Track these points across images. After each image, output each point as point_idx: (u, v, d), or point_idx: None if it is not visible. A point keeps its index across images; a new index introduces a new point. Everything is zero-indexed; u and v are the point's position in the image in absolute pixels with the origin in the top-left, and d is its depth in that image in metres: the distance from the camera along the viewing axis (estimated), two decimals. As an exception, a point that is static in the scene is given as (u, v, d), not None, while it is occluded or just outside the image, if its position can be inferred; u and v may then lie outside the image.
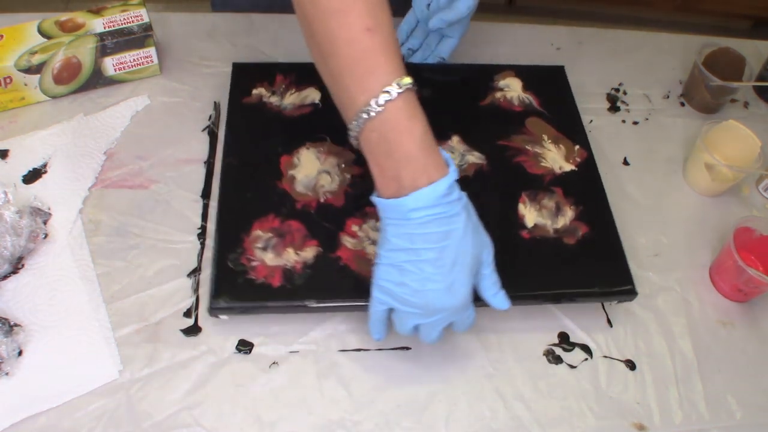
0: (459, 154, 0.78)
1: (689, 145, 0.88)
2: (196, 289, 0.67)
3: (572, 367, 0.68)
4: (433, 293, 0.55)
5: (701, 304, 0.75)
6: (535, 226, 0.72)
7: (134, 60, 0.81)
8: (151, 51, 0.81)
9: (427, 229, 0.54)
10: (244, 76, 0.80)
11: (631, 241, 0.78)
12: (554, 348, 0.69)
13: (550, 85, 0.87)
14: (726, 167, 0.80)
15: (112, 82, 0.82)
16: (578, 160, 0.79)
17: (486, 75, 0.87)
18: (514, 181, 0.76)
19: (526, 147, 0.79)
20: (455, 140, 0.79)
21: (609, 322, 0.72)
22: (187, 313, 0.66)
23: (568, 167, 0.78)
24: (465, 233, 0.56)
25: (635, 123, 0.90)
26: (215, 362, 0.63)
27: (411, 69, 0.85)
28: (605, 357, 0.69)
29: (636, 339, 0.71)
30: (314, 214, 0.69)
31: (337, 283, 0.66)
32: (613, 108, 0.91)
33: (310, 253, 0.67)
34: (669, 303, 0.74)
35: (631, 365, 0.69)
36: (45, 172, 0.73)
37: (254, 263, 0.65)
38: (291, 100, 0.79)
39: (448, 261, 0.55)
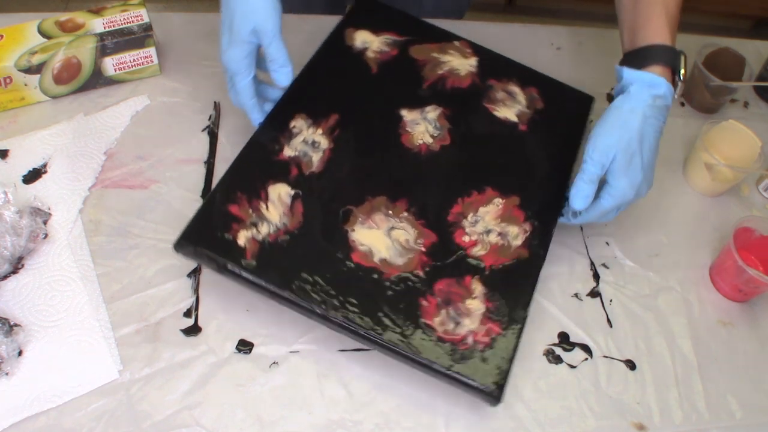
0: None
1: (689, 145, 0.88)
2: (196, 289, 0.67)
3: (572, 367, 0.68)
4: None
5: (701, 304, 0.75)
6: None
7: (134, 60, 0.81)
8: (151, 51, 0.81)
9: None
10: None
11: (631, 241, 0.78)
12: (554, 348, 0.69)
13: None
14: (726, 167, 0.80)
15: (112, 82, 0.82)
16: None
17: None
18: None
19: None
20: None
21: (609, 322, 0.72)
22: (187, 313, 0.66)
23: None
24: (234, 2, 0.66)
25: (635, 123, 0.90)
26: (215, 362, 0.63)
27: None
28: (605, 357, 0.69)
29: (636, 339, 0.71)
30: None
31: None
32: (613, 108, 0.91)
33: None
34: (669, 303, 0.74)
35: (631, 365, 0.69)
36: (45, 172, 0.73)
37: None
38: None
39: (222, 23, 0.68)
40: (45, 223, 0.69)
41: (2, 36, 0.76)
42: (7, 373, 0.60)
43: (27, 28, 0.77)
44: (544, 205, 0.73)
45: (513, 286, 0.67)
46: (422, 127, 0.76)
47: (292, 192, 0.67)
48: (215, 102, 0.82)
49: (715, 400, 0.68)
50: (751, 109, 0.95)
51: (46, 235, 0.68)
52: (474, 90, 0.81)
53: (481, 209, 0.71)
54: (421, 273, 0.65)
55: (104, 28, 0.79)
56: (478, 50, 0.85)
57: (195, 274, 0.68)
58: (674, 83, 0.69)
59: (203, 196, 0.74)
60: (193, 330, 0.65)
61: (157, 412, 0.60)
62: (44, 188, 0.72)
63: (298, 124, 0.72)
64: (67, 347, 0.62)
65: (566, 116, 0.83)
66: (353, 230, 0.66)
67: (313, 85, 0.75)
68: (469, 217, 0.71)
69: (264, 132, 0.71)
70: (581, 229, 0.78)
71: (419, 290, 0.64)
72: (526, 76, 0.85)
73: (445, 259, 0.67)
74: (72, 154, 0.75)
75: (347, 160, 0.71)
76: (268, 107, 0.72)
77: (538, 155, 0.78)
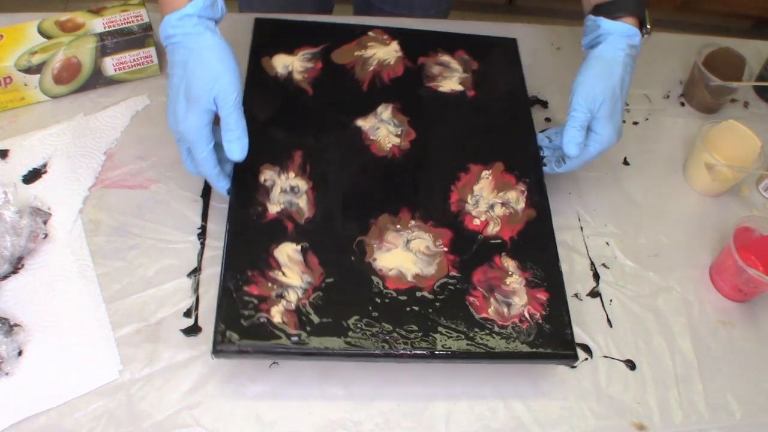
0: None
1: (689, 145, 0.88)
2: (196, 289, 0.67)
3: (572, 366, 0.68)
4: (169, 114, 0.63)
5: (701, 304, 0.75)
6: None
7: (134, 60, 0.81)
8: (151, 51, 0.81)
9: (171, 56, 0.62)
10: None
11: (631, 241, 0.78)
12: (554, 348, 0.69)
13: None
14: (726, 167, 0.80)
15: (112, 82, 0.82)
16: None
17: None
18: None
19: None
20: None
21: (609, 322, 0.72)
22: (187, 313, 0.66)
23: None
24: (193, 66, 0.61)
25: (635, 123, 0.90)
26: (215, 362, 0.63)
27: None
28: (605, 357, 0.69)
29: (636, 339, 0.71)
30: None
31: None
32: (613, 108, 0.91)
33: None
34: (669, 303, 0.74)
35: (631, 365, 0.69)
36: (45, 172, 0.73)
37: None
38: None
39: (175, 88, 0.62)
40: (45, 223, 0.69)
41: (2, 36, 0.76)
42: (7, 373, 0.60)
43: (27, 28, 0.77)
44: (525, 159, 0.75)
45: (537, 248, 0.69)
46: (383, 130, 0.75)
47: (299, 247, 0.65)
48: (215, 102, 0.82)
49: (715, 400, 0.68)
50: (751, 109, 0.95)
51: (46, 235, 0.68)
52: (410, 74, 0.81)
53: (476, 187, 0.72)
54: (455, 272, 0.66)
55: (104, 28, 0.79)
56: (393, 33, 0.84)
57: (195, 274, 0.68)
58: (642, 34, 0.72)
59: (203, 195, 0.74)
60: (193, 330, 0.65)
61: (157, 412, 0.60)
62: (44, 188, 0.72)
63: (268, 175, 0.69)
64: (67, 347, 0.62)
65: (502, 66, 0.84)
66: (375, 259, 0.65)
67: (259, 130, 0.69)
68: (469, 199, 0.71)
69: (239, 198, 0.67)
70: (581, 229, 0.78)
71: (462, 289, 0.65)
72: (449, 42, 0.85)
73: (470, 250, 0.68)
74: (72, 154, 0.75)
75: (333, 193, 0.69)
76: (228, 168, 0.67)
77: (496, 114, 0.79)
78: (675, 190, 0.85)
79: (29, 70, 0.75)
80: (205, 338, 0.65)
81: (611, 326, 0.71)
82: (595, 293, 0.73)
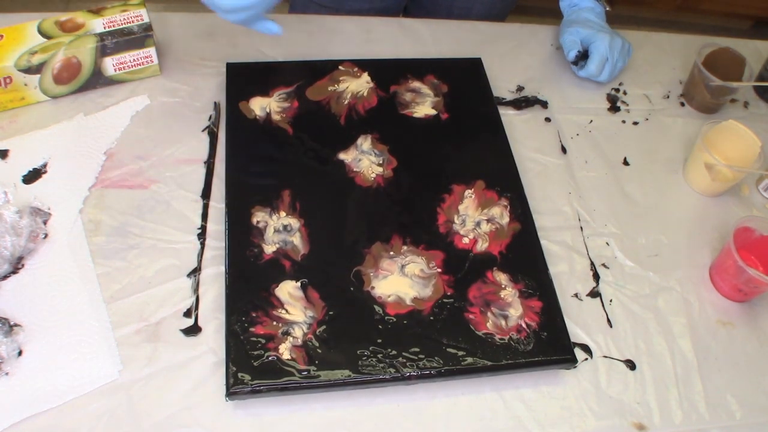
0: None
1: (689, 145, 0.88)
2: (196, 289, 0.67)
3: (573, 367, 0.68)
4: None
5: (701, 304, 0.75)
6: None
7: (134, 60, 0.81)
8: (151, 51, 0.81)
9: None
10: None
11: (631, 241, 0.78)
12: (554, 348, 0.69)
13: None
14: (726, 167, 0.80)
15: (112, 82, 0.82)
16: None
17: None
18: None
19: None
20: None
21: (609, 322, 0.72)
22: (187, 313, 0.66)
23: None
24: None
25: (635, 123, 0.90)
26: (215, 362, 0.63)
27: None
28: (605, 357, 0.69)
29: (636, 339, 0.71)
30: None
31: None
32: (613, 108, 0.91)
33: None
34: (669, 303, 0.74)
35: (631, 365, 0.69)
36: (45, 172, 0.73)
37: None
38: None
39: None
40: (45, 223, 0.69)
41: (2, 36, 0.76)
42: (7, 373, 0.60)
43: (27, 28, 0.77)
44: (504, 174, 0.77)
45: (525, 259, 0.71)
46: (365, 161, 0.76)
47: (299, 284, 0.66)
48: (215, 102, 0.82)
49: (715, 400, 0.68)
50: (751, 109, 0.95)
51: (46, 235, 0.68)
52: (384, 103, 0.82)
53: (460, 207, 0.74)
54: (450, 292, 0.67)
55: (104, 28, 0.79)
56: (362, 64, 0.86)
57: (195, 274, 0.68)
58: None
59: (203, 196, 0.74)
60: (193, 330, 0.65)
61: (157, 412, 0.60)
62: (44, 188, 0.72)
63: (260, 217, 0.70)
64: (67, 347, 0.62)
65: (470, 86, 0.86)
66: (373, 288, 0.67)
67: (246, 173, 0.73)
68: (456, 219, 0.73)
69: (234, 241, 0.68)
70: (581, 229, 0.78)
71: (459, 307, 0.67)
72: (417, 68, 0.86)
73: (462, 268, 0.69)
74: (72, 154, 0.75)
75: (325, 228, 0.70)
76: None
77: (471, 133, 0.81)
78: (675, 190, 0.85)
79: (29, 70, 0.75)
80: (204, 338, 0.65)
81: (611, 326, 0.71)
82: (595, 293, 0.73)
